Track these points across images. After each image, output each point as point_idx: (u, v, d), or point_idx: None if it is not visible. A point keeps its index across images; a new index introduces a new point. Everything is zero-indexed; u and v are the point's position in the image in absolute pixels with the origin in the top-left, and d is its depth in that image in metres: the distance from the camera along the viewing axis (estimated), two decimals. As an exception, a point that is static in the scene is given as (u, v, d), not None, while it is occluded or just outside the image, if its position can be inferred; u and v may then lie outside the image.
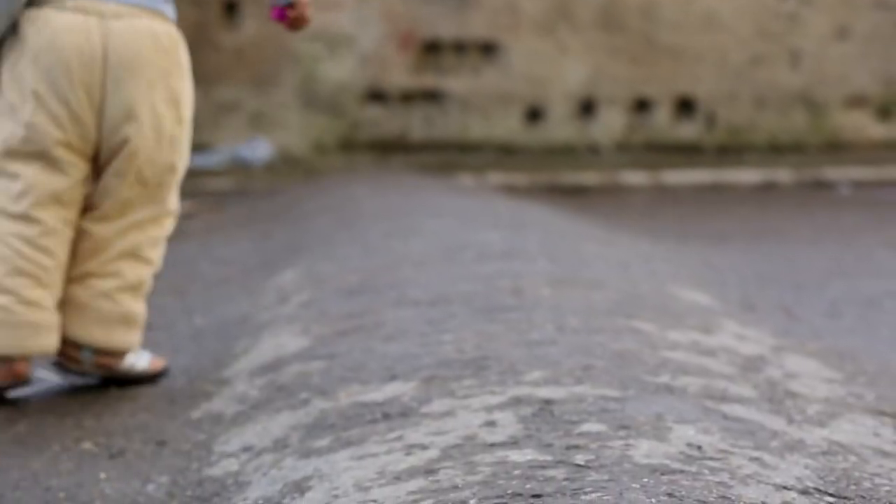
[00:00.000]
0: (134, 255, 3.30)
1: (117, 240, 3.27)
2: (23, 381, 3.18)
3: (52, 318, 3.17)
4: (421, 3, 9.54)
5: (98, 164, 3.23)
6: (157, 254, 3.35)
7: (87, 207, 3.26)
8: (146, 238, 3.32)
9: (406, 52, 9.55)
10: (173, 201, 3.35)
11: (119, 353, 3.30)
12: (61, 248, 3.19)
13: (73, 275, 3.26)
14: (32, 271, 3.13)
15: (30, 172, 3.15)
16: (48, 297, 3.16)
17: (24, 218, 3.15)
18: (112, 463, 2.68)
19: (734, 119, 10.08)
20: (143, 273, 3.32)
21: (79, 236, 3.25)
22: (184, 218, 6.70)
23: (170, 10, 3.23)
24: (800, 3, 10.06)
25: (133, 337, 3.32)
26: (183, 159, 3.33)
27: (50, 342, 3.18)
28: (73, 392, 3.29)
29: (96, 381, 3.32)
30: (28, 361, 3.17)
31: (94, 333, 3.26)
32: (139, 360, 3.36)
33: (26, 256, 3.13)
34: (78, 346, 3.26)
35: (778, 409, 2.64)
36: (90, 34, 3.11)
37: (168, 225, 3.36)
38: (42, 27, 3.12)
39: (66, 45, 3.11)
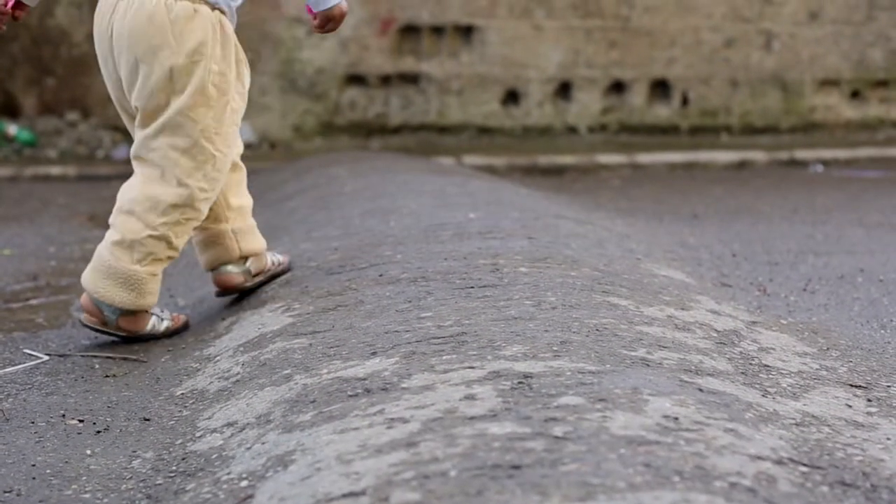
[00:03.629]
0: (129, 211, 3.48)
1: (120, 194, 3.54)
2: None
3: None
4: (398, -14, 9.54)
5: None
6: (154, 218, 3.46)
7: None
8: (144, 198, 3.46)
9: (387, 36, 9.55)
10: (184, 176, 3.46)
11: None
12: None
13: None
14: None
15: None
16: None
17: None
18: (97, 439, 2.70)
19: (708, 100, 10.12)
20: (137, 231, 3.46)
21: None
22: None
23: None
24: (774, -15, 10.11)
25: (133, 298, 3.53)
26: (170, 122, 3.44)
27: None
28: (57, 369, 3.31)
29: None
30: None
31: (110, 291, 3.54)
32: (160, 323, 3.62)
33: None
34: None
35: (752, 382, 2.68)
36: (105, 14, 3.45)
37: (177, 199, 3.46)
38: None
39: (95, 24, 3.50)
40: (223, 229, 3.68)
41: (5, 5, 3.44)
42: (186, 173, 3.45)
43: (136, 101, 3.45)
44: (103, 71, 3.52)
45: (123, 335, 3.56)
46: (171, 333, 3.62)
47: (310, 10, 3.56)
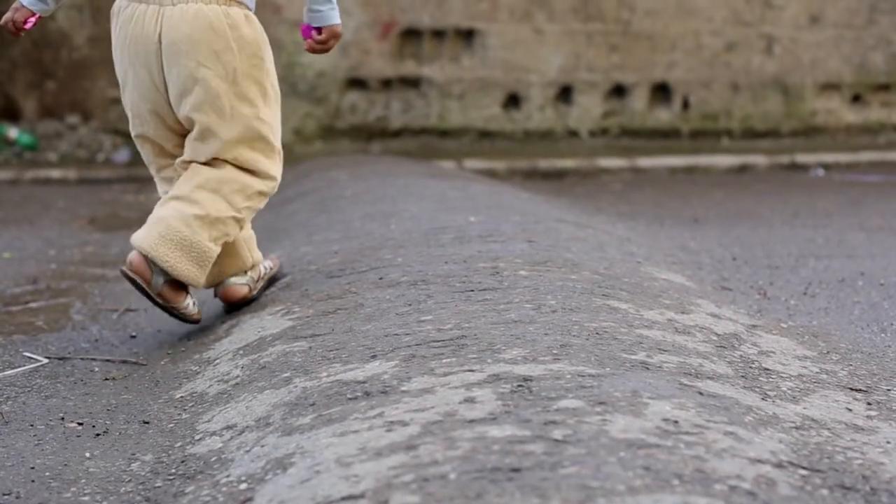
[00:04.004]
0: (215, 189, 3.51)
1: (195, 173, 3.54)
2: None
3: None
4: (399, -11, 9.56)
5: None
6: (241, 200, 3.53)
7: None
8: (233, 181, 3.52)
9: (387, 40, 9.56)
10: (267, 169, 3.56)
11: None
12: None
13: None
14: None
15: (142, 145, 3.67)
16: None
17: (159, 181, 3.71)
18: (97, 442, 2.70)
19: (709, 104, 10.13)
20: (222, 210, 3.50)
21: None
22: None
23: None
24: (775, -11, 10.12)
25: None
26: (249, 129, 3.50)
27: None
28: (56, 372, 3.31)
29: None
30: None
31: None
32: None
33: None
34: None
35: (752, 385, 2.68)
36: (146, 23, 3.43)
37: (266, 187, 3.59)
38: (117, 20, 3.49)
39: (127, 34, 3.46)
40: (237, 237, 3.68)
41: (24, 23, 3.49)
42: (268, 167, 3.58)
43: (191, 109, 3.44)
44: (135, 78, 3.48)
45: (159, 302, 3.55)
46: (192, 320, 3.65)
47: (307, 30, 3.52)
